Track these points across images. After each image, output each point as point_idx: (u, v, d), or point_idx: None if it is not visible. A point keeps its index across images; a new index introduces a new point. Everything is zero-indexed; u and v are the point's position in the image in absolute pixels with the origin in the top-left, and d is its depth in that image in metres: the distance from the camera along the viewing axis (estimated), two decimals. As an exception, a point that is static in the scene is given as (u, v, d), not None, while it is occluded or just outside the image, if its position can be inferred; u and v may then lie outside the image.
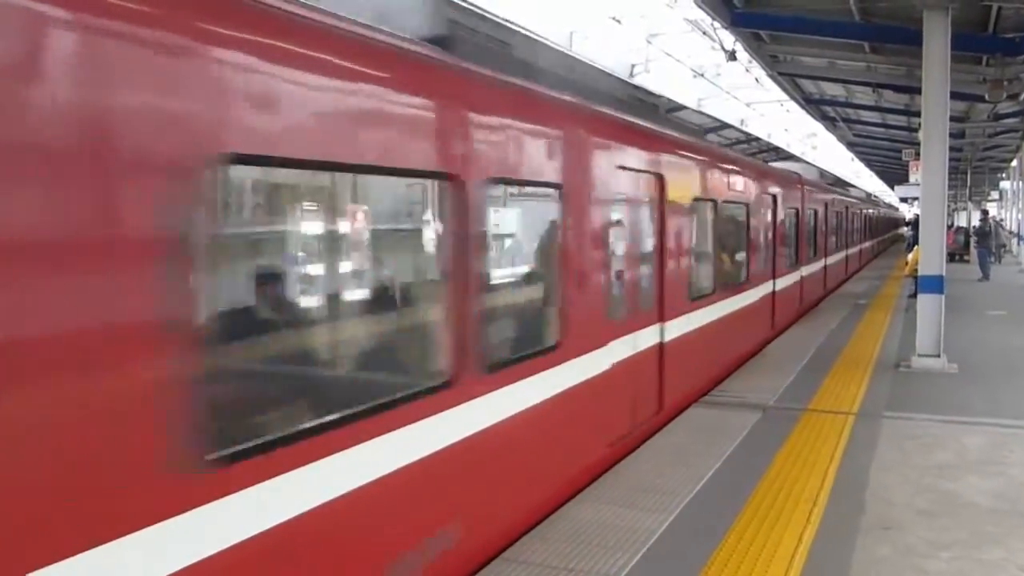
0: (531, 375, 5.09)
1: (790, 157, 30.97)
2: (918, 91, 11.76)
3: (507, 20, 7.15)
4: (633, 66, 19.54)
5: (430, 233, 4.68)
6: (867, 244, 32.65)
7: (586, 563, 4.63)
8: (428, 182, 4.38)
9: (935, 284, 10.53)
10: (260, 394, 3.58)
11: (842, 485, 5.96)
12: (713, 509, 5.48)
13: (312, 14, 3.53)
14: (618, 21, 17.46)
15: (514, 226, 5.95)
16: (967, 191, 40.05)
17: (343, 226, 4.36)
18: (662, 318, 7.51)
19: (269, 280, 3.90)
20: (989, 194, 47.48)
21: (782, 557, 4.75)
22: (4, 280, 2.29)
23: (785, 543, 4.94)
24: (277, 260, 4.04)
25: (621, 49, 18.89)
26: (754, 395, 8.79)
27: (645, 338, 7.14)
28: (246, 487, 3.00)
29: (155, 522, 2.65)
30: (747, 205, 11.07)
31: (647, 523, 5.20)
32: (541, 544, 4.88)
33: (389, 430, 3.78)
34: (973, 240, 27.05)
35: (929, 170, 10.64)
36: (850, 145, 35.25)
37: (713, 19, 13.67)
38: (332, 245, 4.29)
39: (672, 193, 7.70)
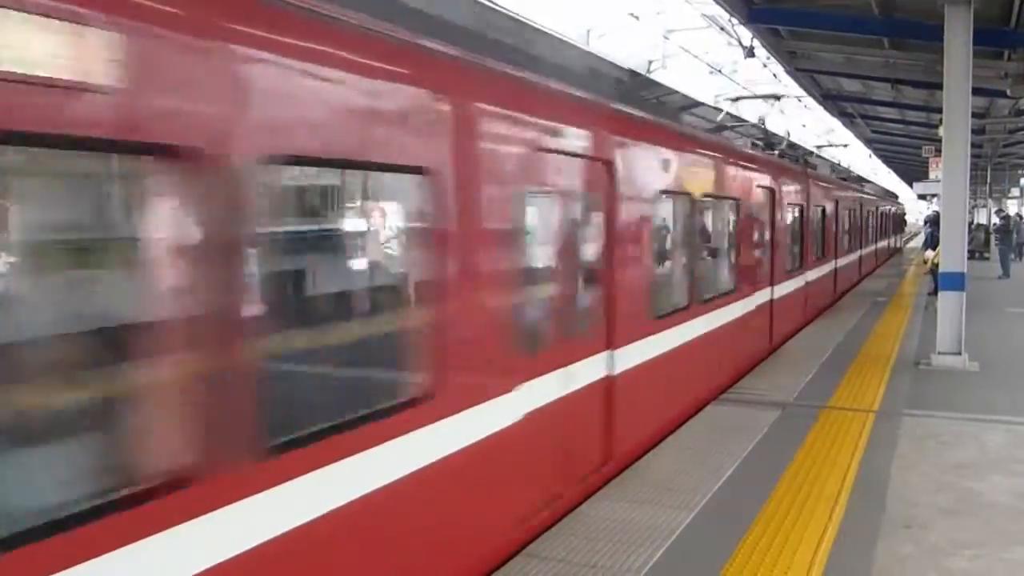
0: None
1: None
2: (938, 87, 11.66)
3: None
4: (650, 62, 19.51)
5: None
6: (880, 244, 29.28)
7: (608, 559, 4.65)
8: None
9: (956, 281, 10.45)
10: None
11: (863, 483, 5.94)
12: (734, 507, 5.49)
13: None
14: (636, 17, 17.43)
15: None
16: (987, 188, 39.59)
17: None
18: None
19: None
20: (1009, 191, 46.92)
21: (803, 555, 4.74)
22: None
23: (806, 541, 4.93)
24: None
25: (638, 45, 18.86)
26: (773, 393, 8.77)
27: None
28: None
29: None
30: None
31: (668, 520, 5.21)
32: (563, 540, 4.90)
33: None
34: (994, 237, 26.75)
35: (950, 167, 10.55)
36: (868, 142, 34.97)
37: (731, 15, 13.61)
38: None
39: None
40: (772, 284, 11.55)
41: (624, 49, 17.77)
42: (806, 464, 6.39)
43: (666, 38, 18.98)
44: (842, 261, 18.51)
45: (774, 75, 21.47)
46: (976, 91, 11.20)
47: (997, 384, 9.26)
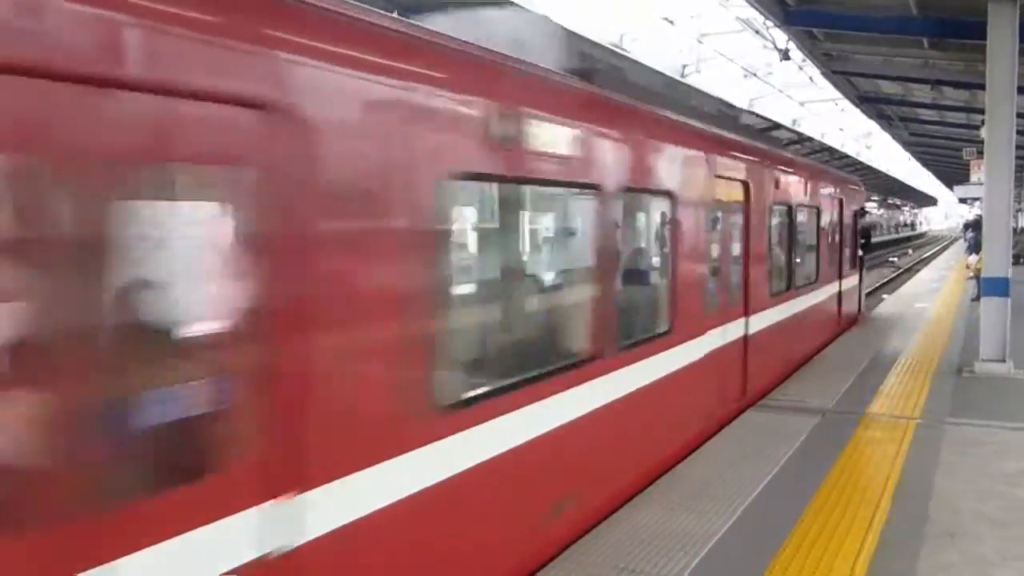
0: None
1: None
2: (980, 87, 11.48)
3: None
4: (684, 67, 19.39)
5: None
6: None
7: (647, 564, 4.62)
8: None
9: (1000, 287, 10.25)
10: None
11: (905, 491, 5.83)
12: (772, 514, 5.42)
13: None
14: (670, 22, 17.35)
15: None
16: (1031, 190, 38.79)
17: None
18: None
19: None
20: (1055, 193, 45.81)
21: (843, 563, 4.67)
22: None
23: (847, 549, 4.85)
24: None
25: (672, 50, 18.76)
26: (812, 399, 8.65)
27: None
28: None
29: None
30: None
31: (706, 527, 5.17)
32: (601, 545, 4.88)
33: None
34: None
35: (993, 169, 10.35)
36: (906, 144, 34.46)
37: (766, 17, 13.52)
38: None
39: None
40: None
41: (658, 54, 17.63)
42: (846, 471, 6.29)
43: (700, 42, 18.86)
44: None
45: (810, 78, 21.24)
46: (1021, 90, 10.97)
47: (1044, 391, 9.04)
